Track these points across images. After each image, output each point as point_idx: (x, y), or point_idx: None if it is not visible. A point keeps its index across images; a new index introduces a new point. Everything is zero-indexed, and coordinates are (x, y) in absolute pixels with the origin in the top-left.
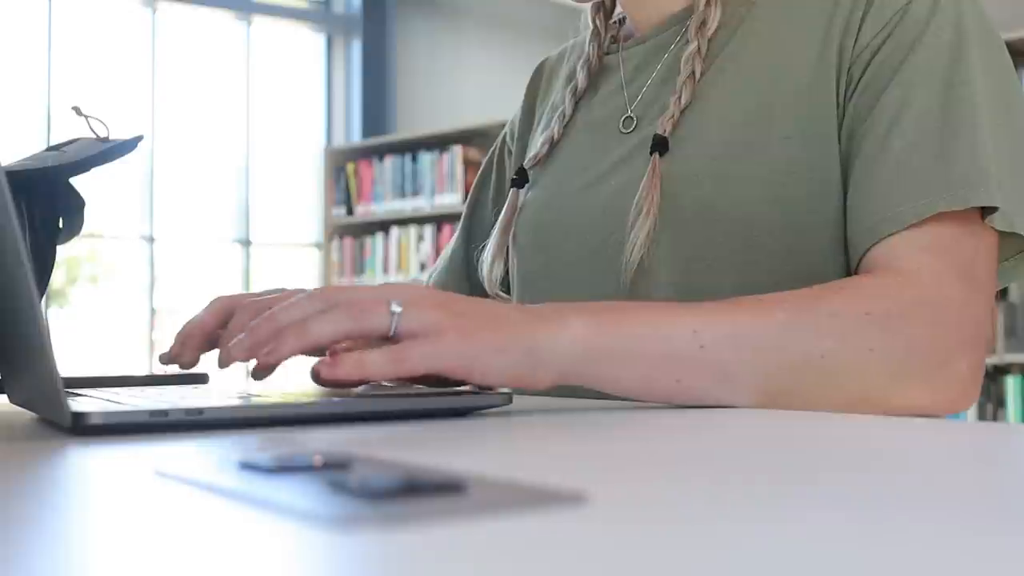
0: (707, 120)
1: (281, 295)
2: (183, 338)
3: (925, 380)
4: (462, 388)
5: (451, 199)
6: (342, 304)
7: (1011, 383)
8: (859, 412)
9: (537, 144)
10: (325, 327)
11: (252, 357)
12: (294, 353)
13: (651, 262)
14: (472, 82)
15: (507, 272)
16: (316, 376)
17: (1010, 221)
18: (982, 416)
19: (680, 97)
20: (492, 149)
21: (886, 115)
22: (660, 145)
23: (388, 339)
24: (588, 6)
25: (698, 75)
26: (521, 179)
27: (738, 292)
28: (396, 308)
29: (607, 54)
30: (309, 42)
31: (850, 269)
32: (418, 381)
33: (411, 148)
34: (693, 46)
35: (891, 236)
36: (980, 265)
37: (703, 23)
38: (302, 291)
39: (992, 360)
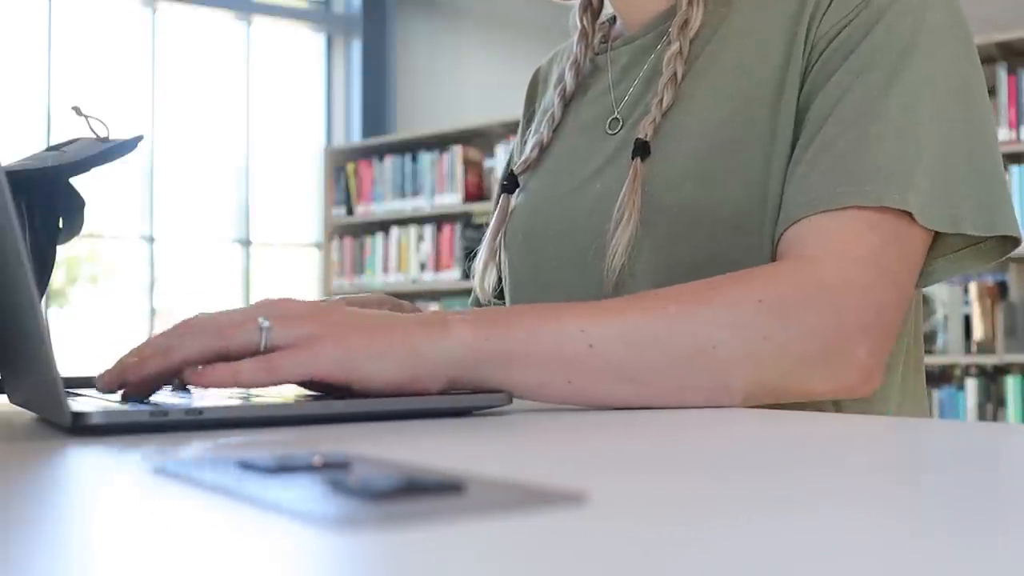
0: (689, 121)
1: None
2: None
3: (822, 367)
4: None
5: (451, 199)
6: (208, 326)
7: (1011, 383)
8: (758, 401)
9: (527, 149)
10: (190, 345)
11: (120, 381)
12: (159, 373)
13: (634, 265)
14: (472, 82)
15: (501, 279)
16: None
17: (955, 221)
18: (982, 416)
19: (661, 100)
20: (508, 160)
21: (828, 101)
22: (641, 149)
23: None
24: (575, 5)
25: (679, 77)
26: (511, 184)
27: None
28: (264, 323)
29: (597, 54)
30: (309, 42)
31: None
32: (305, 387)
33: (411, 148)
34: (675, 47)
35: (803, 220)
36: (892, 253)
37: (685, 23)
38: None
39: (992, 360)
